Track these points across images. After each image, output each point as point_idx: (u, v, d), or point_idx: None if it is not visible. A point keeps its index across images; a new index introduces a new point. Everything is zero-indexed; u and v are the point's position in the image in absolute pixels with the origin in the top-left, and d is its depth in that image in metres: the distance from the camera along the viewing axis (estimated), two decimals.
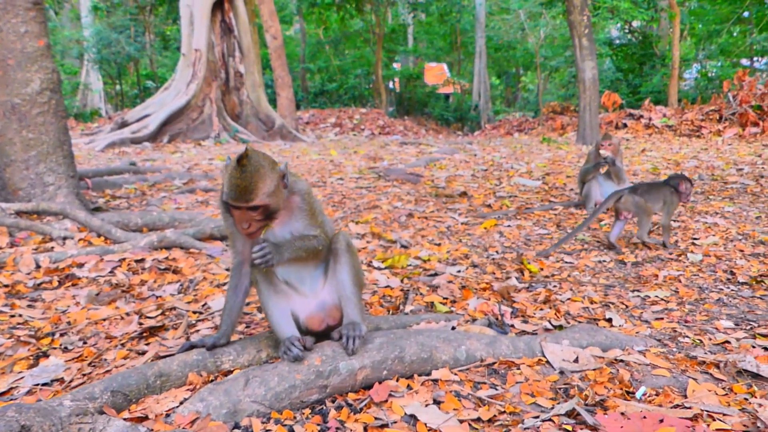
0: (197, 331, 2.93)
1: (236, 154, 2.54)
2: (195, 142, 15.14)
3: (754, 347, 2.67)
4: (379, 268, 4.03)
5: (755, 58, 32.07)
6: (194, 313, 3.19)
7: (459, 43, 32.79)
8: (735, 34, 30.74)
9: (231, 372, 2.36)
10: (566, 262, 4.19)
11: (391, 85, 33.46)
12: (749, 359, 2.47)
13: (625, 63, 26.50)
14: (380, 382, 2.33)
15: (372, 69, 30.02)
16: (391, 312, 3.22)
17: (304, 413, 2.17)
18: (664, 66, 24.15)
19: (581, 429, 2.03)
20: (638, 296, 3.45)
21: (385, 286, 3.63)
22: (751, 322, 3.02)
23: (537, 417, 2.11)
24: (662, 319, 3.08)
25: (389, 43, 32.24)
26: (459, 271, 3.95)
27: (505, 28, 29.20)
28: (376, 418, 2.12)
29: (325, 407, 2.21)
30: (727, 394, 2.26)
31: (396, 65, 35.12)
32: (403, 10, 31.07)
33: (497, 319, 3.02)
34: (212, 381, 2.29)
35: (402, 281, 3.74)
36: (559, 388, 2.33)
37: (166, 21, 27.44)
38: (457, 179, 8.28)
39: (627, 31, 27.62)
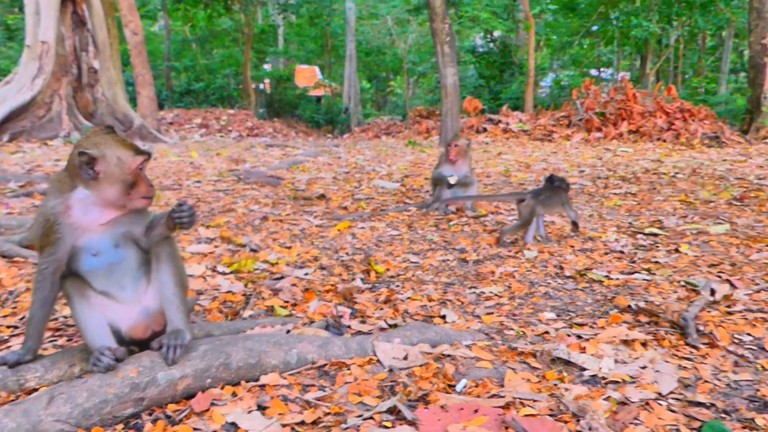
0: (9, 347, 2.70)
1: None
2: (41, 141, 14.05)
3: (569, 336, 2.87)
4: (224, 273, 3.93)
5: (602, 69, 35.01)
6: (8, 327, 2.94)
7: (330, 46, 32.95)
8: (585, 46, 33.33)
9: (37, 390, 2.19)
10: (412, 262, 4.30)
11: (261, 86, 32.94)
12: (562, 347, 2.65)
13: (487, 70, 27.87)
14: (203, 391, 2.26)
15: (241, 69, 29.40)
16: (229, 318, 3.15)
17: (116, 429, 2.05)
18: (522, 74, 25.66)
19: (400, 424, 2.07)
20: (474, 293, 3.60)
21: (227, 291, 3.55)
22: (570, 313, 3.25)
23: (360, 416, 2.14)
24: (492, 313, 3.24)
25: (259, 44, 31.74)
26: (306, 274, 3.94)
27: (374, 33, 29.71)
28: (194, 429, 2.05)
29: (140, 421, 2.11)
30: (539, 381, 2.41)
31: (266, 66, 34.64)
32: (273, 10, 30.71)
33: (335, 320, 3.03)
34: (12, 401, 2.11)
35: (246, 286, 3.67)
36: (386, 386, 2.37)
37: (10, 9, 25.27)
38: (317, 182, 8.28)
39: (489, 40, 29.04)
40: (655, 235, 5.06)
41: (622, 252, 4.49)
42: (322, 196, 6.91)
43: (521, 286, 3.71)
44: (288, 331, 2.86)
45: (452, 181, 5.90)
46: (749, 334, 2.90)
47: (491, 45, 28.77)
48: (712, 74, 29.18)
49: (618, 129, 15.71)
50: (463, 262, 4.30)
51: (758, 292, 3.58)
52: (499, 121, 18.06)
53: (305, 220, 5.67)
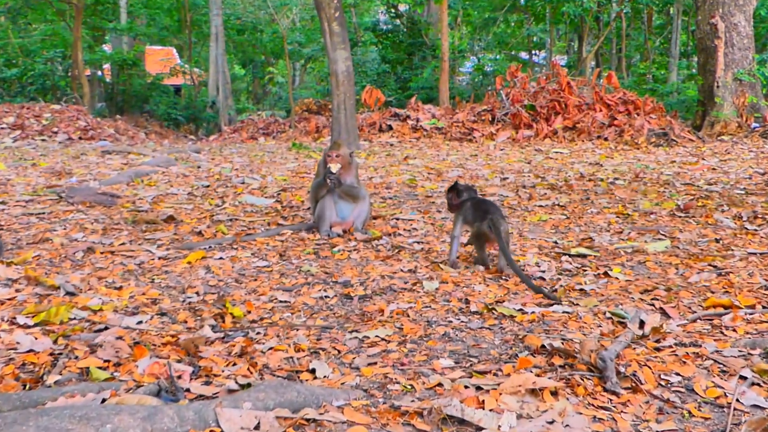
0: None
1: None
2: None
3: (467, 387, 2.96)
4: (26, 326, 3.79)
5: (534, 52, 36.33)
6: None
7: (189, 21, 32.52)
8: (512, 24, 34.58)
9: None
10: (281, 302, 4.30)
11: (98, 73, 32.04)
12: (455, 403, 2.73)
13: (393, 53, 28.37)
14: None
15: (69, 51, 28.44)
16: (29, 386, 3.03)
17: None
18: (435, 58, 26.29)
19: None
20: (356, 338, 3.65)
21: (28, 351, 3.42)
22: (472, 358, 3.35)
23: None
24: (376, 363, 3.29)
25: (93, 18, 30.90)
26: (138, 323, 3.86)
27: (246, 4, 29.60)
28: None
29: None
30: None
31: (105, 47, 33.74)
32: None
33: (170, 382, 2.99)
34: None
35: (55, 342, 3.55)
36: None
37: None
38: (166, 199, 8.13)
39: (393, 15, 29.59)
40: (584, 256, 5.32)
41: (542, 279, 4.66)
42: (170, 219, 6.80)
43: (415, 327, 3.78)
44: (103, 401, 2.79)
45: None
46: (678, 374, 3.10)
47: (396, 22, 29.32)
48: (661, 58, 30.89)
49: (551, 125, 16.45)
50: (345, 299, 4.34)
51: (693, 321, 3.84)
52: (408, 117, 18.44)
53: (145, 251, 5.55)
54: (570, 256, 5.35)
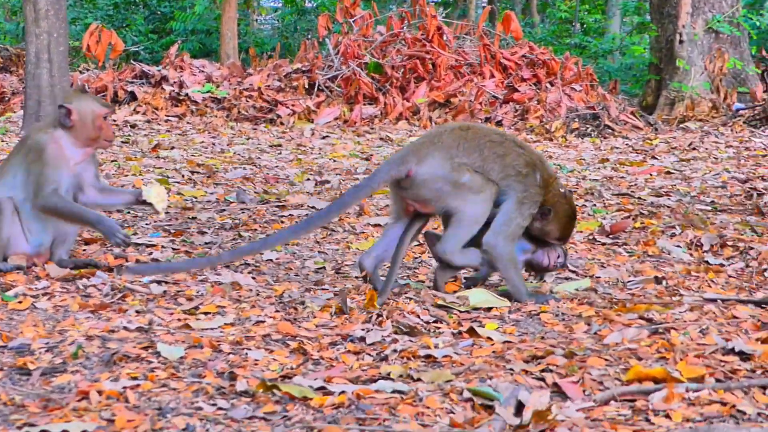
0: None
1: None
2: None
3: None
4: None
5: None
6: None
7: None
8: None
9: None
10: None
11: None
12: None
13: None
14: None
15: None
16: None
17: None
18: None
19: None
20: None
21: None
22: None
23: None
24: None
25: None
26: None
27: None
28: None
29: None
30: None
31: None
32: None
33: None
34: None
35: None
36: None
37: None
38: None
39: None
40: (440, 305, 4.23)
41: (363, 340, 3.48)
42: None
43: (136, 419, 2.72)
44: None
45: None
46: None
47: None
48: None
49: (409, 99, 12.52)
50: (21, 376, 3.15)
51: (605, 403, 2.91)
52: (164, 79, 13.56)
53: None
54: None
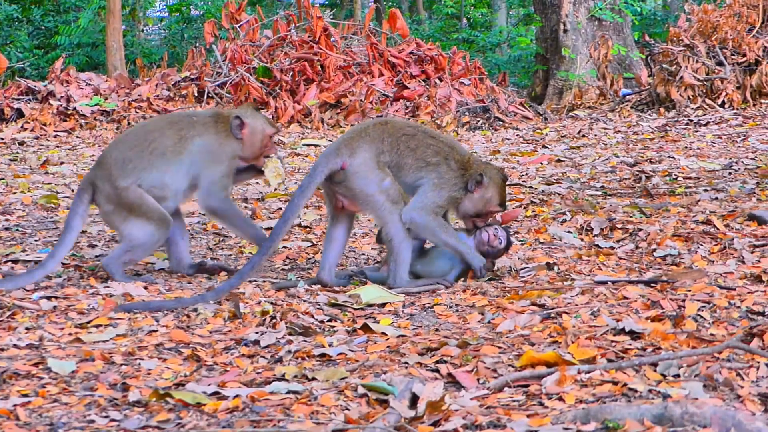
0: None
1: None
2: None
3: None
4: None
5: None
6: None
7: None
8: None
9: None
10: None
11: None
12: None
13: None
14: None
15: None
16: None
17: None
18: None
19: None
20: None
21: None
22: None
23: None
24: None
25: None
26: None
27: None
28: None
29: None
30: None
31: None
32: None
33: None
34: None
35: None
36: None
37: None
38: None
39: None
40: (334, 304, 4.14)
41: (257, 343, 3.38)
42: None
43: None
44: None
45: None
46: None
47: None
48: None
49: (300, 101, 12.39)
50: None
51: (499, 390, 2.88)
52: (51, 94, 13.19)
53: None
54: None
